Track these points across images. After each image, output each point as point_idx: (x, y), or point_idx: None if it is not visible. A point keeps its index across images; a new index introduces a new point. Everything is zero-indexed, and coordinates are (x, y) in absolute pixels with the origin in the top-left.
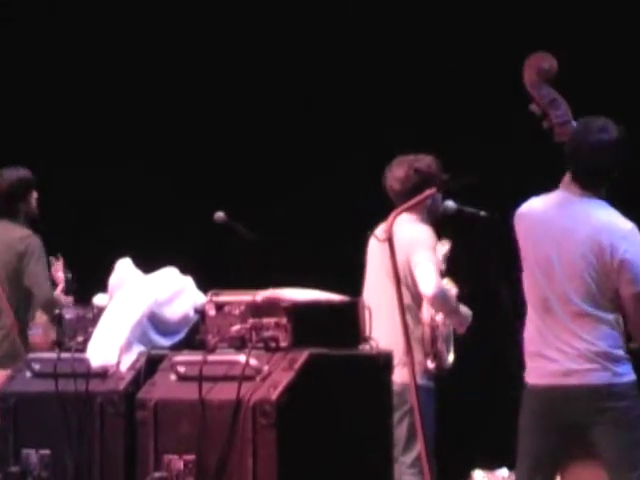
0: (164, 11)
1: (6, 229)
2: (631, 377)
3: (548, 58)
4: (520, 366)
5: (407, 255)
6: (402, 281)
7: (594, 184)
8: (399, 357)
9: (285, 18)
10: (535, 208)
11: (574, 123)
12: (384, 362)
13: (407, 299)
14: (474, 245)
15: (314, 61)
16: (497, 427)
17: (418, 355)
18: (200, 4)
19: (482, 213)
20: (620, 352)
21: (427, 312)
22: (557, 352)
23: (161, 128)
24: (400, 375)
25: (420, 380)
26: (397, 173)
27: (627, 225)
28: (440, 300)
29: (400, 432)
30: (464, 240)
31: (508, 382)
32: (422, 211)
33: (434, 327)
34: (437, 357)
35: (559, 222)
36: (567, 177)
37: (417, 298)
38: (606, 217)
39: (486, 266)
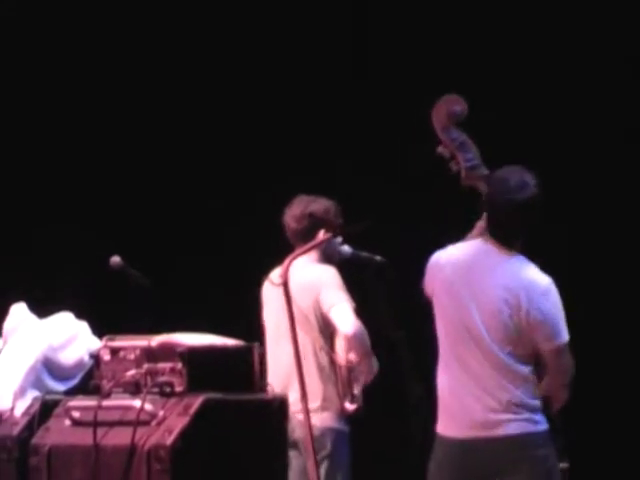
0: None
1: None
2: (546, 426)
3: (459, 101)
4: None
5: (315, 297)
6: (312, 324)
7: (511, 240)
8: (318, 401)
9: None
10: (452, 256)
11: (483, 168)
12: (279, 406)
13: (321, 341)
14: (368, 290)
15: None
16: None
17: (334, 398)
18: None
19: (377, 258)
20: (536, 402)
21: (343, 353)
22: (476, 403)
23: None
24: (319, 419)
25: (337, 424)
26: (295, 211)
27: (544, 281)
28: (359, 340)
29: (321, 471)
30: (359, 285)
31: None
32: (319, 254)
33: (350, 368)
34: (354, 398)
35: (477, 276)
36: (485, 227)
37: (330, 340)
38: (523, 273)
39: (380, 311)
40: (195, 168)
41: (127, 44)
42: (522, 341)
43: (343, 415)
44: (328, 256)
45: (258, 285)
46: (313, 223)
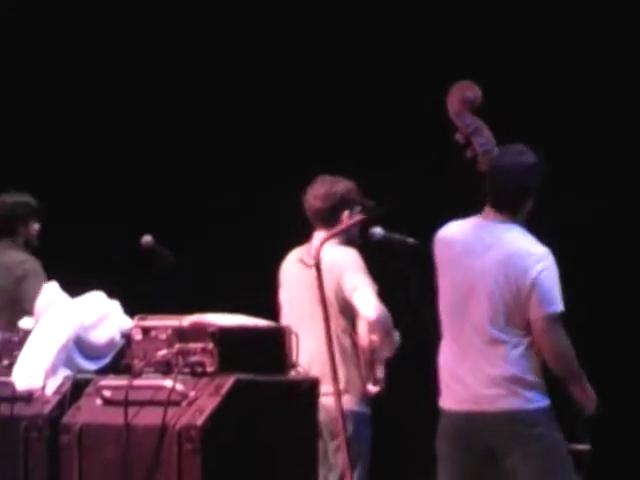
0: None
1: (6, 253)
2: (542, 403)
3: (472, 87)
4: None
5: (337, 279)
6: (333, 306)
7: (509, 207)
8: (341, 384)
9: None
10: (451, 233)
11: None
12: (310, 387)
13: (343, 324)
14: (400, 272)
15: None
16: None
17: (356, 380)
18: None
19: (409, 240)
20: (531, 377)
21: (365, 335)
22: (471, 377)
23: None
24: (342, 402)
25: (358, 407)
26: (318, 191)
27: (540, 249)
28: (383, 324)
29: (338, 459)
30: (391, 267)
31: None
32: (341, 236)
33: (372, 351)
34: (377, 381)
35: (473, 247)
36: (486, 205)
37: (351, 322)
38: (520, 242)
39: (412, 293)
40: (215, 151)
41: (128, 43)
42: (518, 314)
43: (365, 398)
44: (350, 238)
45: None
46: (338, 203)
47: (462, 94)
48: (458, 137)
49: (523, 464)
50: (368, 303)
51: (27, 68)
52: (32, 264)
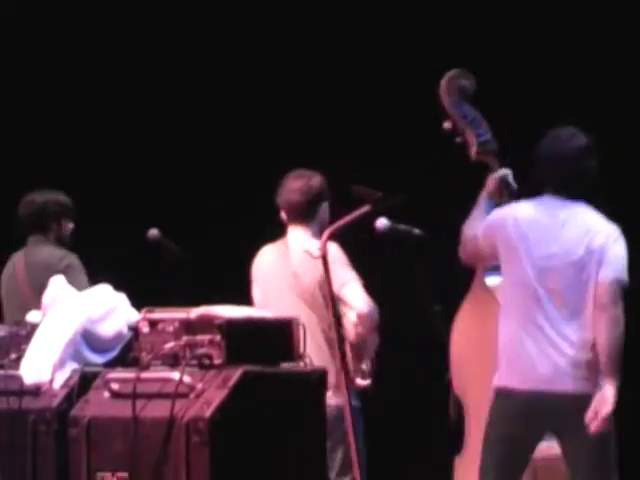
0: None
1: (37, 249)
2: None
3: (466, 75)
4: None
5: (321, 273)
6: (318, 301)
7: (572, 191)
8: (332, 379)
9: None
10: (518, 212)
11: (494, 142)
12: (318, 379)
13: (328, 318)
14: (406, 263)
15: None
16: (436, 448)
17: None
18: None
19: (416, 231)
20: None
21: (353, 330)
22: (543, 357)
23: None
24: (334, 398)
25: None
26: (294, 185)
27: (611, 228)
28: (372, 317)
29: (336, 456)
30: (396, 258)
31: (444, 401)
32: (317, 228)
33: (360, 344)
34: (364, 374)
35: (546, 226)
36: (545, 185)
37: (337, 317)
38: (592, 218)
39: (419, 284)
40: (220, 145)
41: (129, 43)
42: (590, 294)
43: (355, 391)
44: (324, 226)
45: None
46: (315, 196)
47: (457, 82)
48: (447, 125)
49: (585, 450)
50: (359, 298)
51: (27, 68)
52: (72, 259)
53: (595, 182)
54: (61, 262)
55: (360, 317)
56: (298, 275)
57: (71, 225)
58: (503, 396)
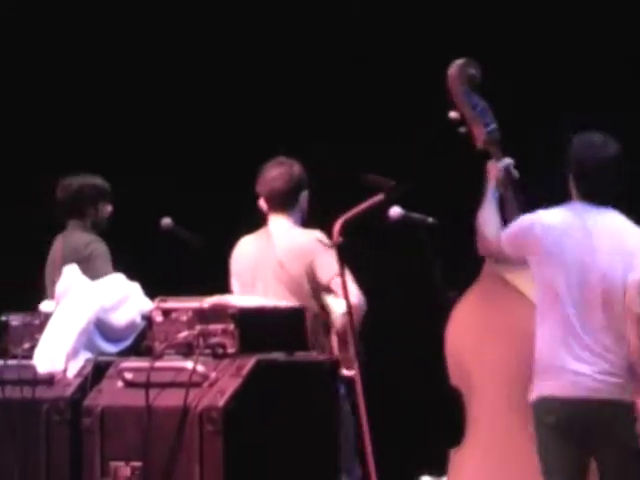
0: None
1: (73, 234)
2: None
3: (473, 64)
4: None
5: (308, 263)
6: (305, 291)
7: (605, 198)
8: None
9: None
10: (554, 223)
11: (499, 132)
12: (330, 367)
13: (315, 308)
14: (419, 252)
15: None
16: (446, 432)
17: None
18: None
19: (429, 219)
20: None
21: (339, 320)
22: (581, 365)
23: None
24: None
25: None
26: (276, 172)
27: None
28: (361, 309)
29: None
30: (409, 247)
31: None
32: (299, 216)
33: (345, 335)
34: (350, 363)
35: (581, 239)
36: (576, 193)
37: (322, 306)
38: (625, 225)
39: (432, 273)
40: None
41: (130, 43)
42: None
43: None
44: (303, 215)
45: None
46: (297, 184)
47: (467, 71)
48: (453, 115)
49: (618, 459)
50: (350, 288)
51: (26, 68)
52: (98, 245)
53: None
54: (86, 248)
55: (353, 308)
56: (284, 264)
57: (109, 208)
58: (545, 404)
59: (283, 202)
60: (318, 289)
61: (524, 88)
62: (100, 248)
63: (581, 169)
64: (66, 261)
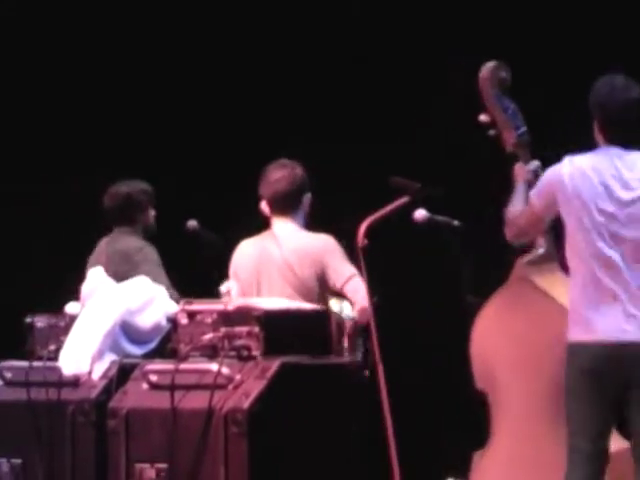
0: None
1: (121, 238)
2: None
3: (504, 67)
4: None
5: (320, 267)
6: (313, 293)
7: (632, 140)
8: None
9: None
10: (583, 164)
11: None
12: (355, 370)
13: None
14: (444, 254)
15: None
16: (471, 434)
17: None
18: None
19: (454, 222)
20: None
21: (349, 323)
22: (614, 307)
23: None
24: None
25: None
26: (279, 174)
27: None
28: (370, 312)
29: None
30: (434, 249)
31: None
32: (301, 217)
33: (354, 336)
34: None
35: (611, 175)
36: (602, 138)
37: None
38: None
39: (461, 275)
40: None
41: (130, 44)
42: None
43: None
44: (306, 218)
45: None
46: (300, 186)
47: (498, 74)
48: (484, 118)
49: None
50: (362, 292)
51: (27, 69)
52: (149, 250)
53: None
54: (138, 253)
55: (361, 311)
56: (292, 266)
57: (153, 212)
58: (579, 350)
59: (287, 204)
60: (325, 292)
61: (524, 88)
62: (151, 254)
63: (605, 112)
64: (113, 264)
